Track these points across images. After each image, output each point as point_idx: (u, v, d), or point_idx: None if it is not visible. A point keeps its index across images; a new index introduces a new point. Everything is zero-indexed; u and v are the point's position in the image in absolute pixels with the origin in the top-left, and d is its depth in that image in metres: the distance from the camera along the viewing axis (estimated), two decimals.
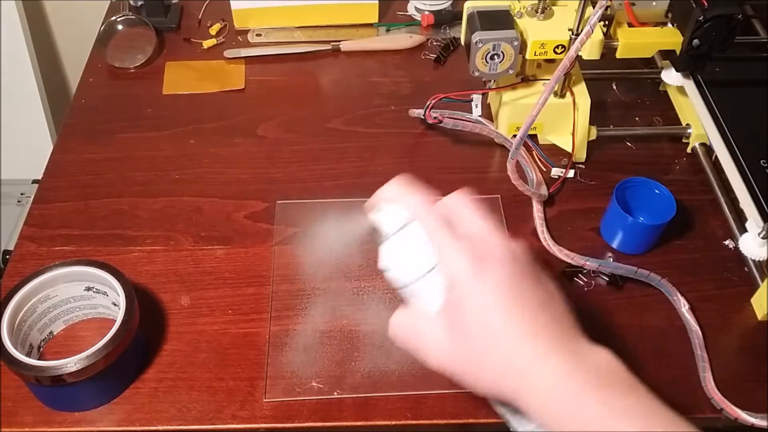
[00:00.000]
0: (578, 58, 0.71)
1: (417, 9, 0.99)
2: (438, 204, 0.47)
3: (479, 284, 0.43)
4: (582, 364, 0.41)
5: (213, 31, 0.96)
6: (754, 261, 0.70)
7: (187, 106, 0.87)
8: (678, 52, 0.75)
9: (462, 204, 0.47)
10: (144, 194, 0.76)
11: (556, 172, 0.78)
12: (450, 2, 0.98)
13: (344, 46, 0.94)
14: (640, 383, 0.42)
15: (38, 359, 0.58)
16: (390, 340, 0.63)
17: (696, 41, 0.73)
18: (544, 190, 0.76)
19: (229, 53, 0.93)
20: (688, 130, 0.81)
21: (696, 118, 0.80)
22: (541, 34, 0.73)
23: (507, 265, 0.44)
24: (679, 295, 0.67)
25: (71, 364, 0.54)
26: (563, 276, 0.69)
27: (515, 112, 0.79)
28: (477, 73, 0.75)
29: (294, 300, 0.67)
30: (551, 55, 0.74)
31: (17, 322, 0.59)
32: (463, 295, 0.43)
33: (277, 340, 0.64)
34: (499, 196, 0.76)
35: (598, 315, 0.66)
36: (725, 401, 0.60)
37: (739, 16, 0.70)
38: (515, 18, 0.75)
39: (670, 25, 0.76)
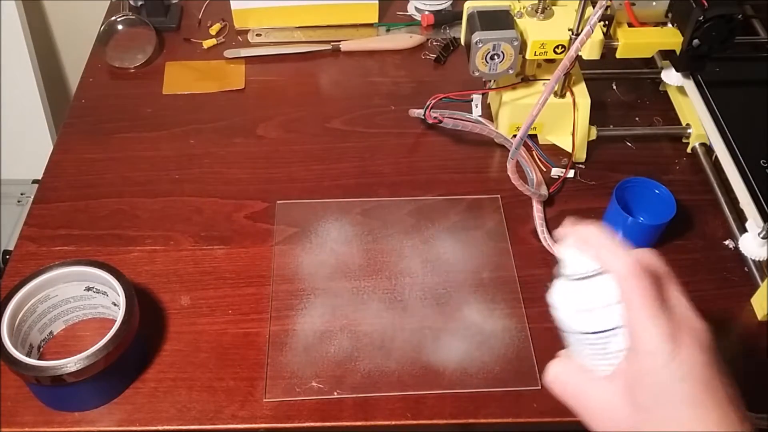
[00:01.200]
0: (578, 58, 0.71)
1: (417, 9, 0.99)
2: (642, 263, 0.43)
3: (672, 367, 0.40)
4: None
5: (213, 31, 0.96)
6: (754, 261, 0.70)
7: (187, 106, 0.87)
8: (678, 52, 0.75)
9: (665, 270, 0.44)
10: (144, 194, 0.76)
11: (556, 172, 0.79)
12: (450, 2, 0.99)
13: (344, 46, 0.94)
14: None
15: (38, 359, 0.58)
16: (390, 340, 0.64)
17: (696, 41, 0.73)
18: (544, 190, 0.76)
19: (229, 53, 0.93)
20: (688, 130, 0.81)
21: (696, 118, 0.80)
22: (541, 34, 0.73)
23: (706, 352, 0.41)
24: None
25: (71, 364, 0.54)
26: None
27: (515, 112, 0.79)
28: (477, 73, 0.75)
29: (294, 300, 0.67)
30: (551, 55, 0.74)
31: (17, 322, 0.59)
32: (652, 372, 0.40)
33: (277, 340, 0.64)
34: (499, 196, 0.76)
35: None
36: None
37: (739, 16, 0.70)
38: (515, 18, 0.75)
39: (670, 25, 0.76)
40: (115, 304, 0.62)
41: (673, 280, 0.44)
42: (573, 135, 0.78)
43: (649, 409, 0.40)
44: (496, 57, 0.74)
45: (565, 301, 0.45)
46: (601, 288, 0.43)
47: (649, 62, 0.90)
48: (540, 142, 0.81)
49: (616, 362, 0.42)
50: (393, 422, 0.59)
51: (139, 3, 0.95)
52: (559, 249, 0.46)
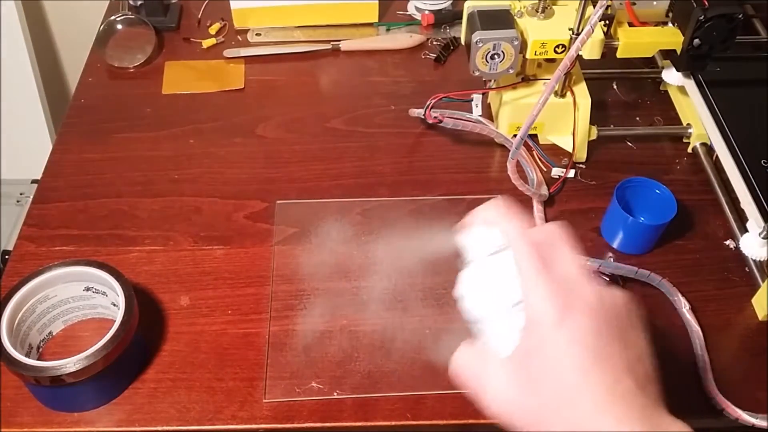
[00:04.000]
0: (579, 57, 0.71)
1: (417, 8, 0.99)
2: (534, 234, 0.41)
3: (559, 334, 0.38)
4: None
5: (212, 30, 0.96)
6: (754, 261, 0.70)
7: (187, 106, 0.86)
8: (679, 52, 0.75)
9: (561, 240, 0.42)
10: (143, 194, 0.76)
11: (556, 172, 0.78)
12: (450, 2, 0.98)
13: (344, 45, 0.94)
14: None
15: (37, 359, 0.58)
16: (390, 340, 0.64)
17: (697, 41, 0.72)
18: (544, 190, 0.76)
19: (228, 53, 0.93)
20: (689, 130, 0.81)
21: (697, 117, 0.79)
22: (542, 33, 0.73)
23: (595, 317, 0.39)
24: (679, 295, 0.67)
25: (70, 364, 0.54)
26: None
27: (515, 112, 0.78)
28: (477, 73, 0.75)
29: (294, 300, 0.67)
30: (552, 55, 0.74)
31: (16, 322, 0.59)
32: (540, 343, 0.39)
33: (277, 340, 0.64)
34: (499, 196, 0.76)
35: None
36: (726, 402, 0.60)
37: (740, 16, 0.70)
38: (515, 17, 0.75)
39: (670, 24, 0.76)
40: (114, 305, 0.62)
41: (567, 247, 0.41)
42: (573, 135, 0.78)
43: (538, 381, 0.39)
44: (496, 56, 0.74)
45: (470, 286, 0.43)
46: (502, 264, 0.41)
47: (649, 62, 0.90)
48: (540, 142, 0.81)
49: (517, 342, 0.40)
50: (393, 422, 0.59)
51: (139, 2, 0.95)
52: (461, 237, 0.44)
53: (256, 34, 0.96)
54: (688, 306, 0.66)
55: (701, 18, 0.70)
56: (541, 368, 0.39)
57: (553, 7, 0.75)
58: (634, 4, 0.75)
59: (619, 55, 0.75)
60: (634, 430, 0.37)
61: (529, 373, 0.39)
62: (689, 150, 0.81)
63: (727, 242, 0.73)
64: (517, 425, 0.40)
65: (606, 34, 0.73)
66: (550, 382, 0.38)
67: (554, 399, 0.38)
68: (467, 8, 0.76)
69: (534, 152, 0.80)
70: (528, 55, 0.74)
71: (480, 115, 0.82)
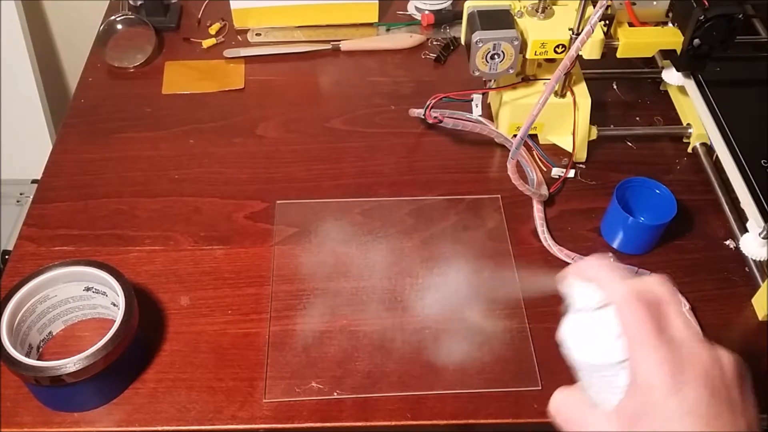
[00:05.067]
0: (579, 57, 0.71)
1: (417, 8, 0.99)
2: (643, 292, 0.40)
3: (672, 402, 0.37)
4: None
5: (212, 30, 0.96)
6: (754, 261, 0.70)
7: (187, 106, 0.86)
8: (679, 52, 0.75)
9: (669, 298, 0.41)
10: (143, 194, 0.76)
11: (556, 172, 0.78)
12: (450, 2, 0.98)
13: (344, 45, 0.94)
14: None
15: (37, 359, 0.58)
16: (390, 340, 0.64)
17: (697, 41, 0.72)
18: (544, 190, 0.76)
19: (228, 53, 0.93)
20: (689, 130, 0.81)
21: (697, 117, 0.79)
22: (542, 33, 0.73)
23: (709, 386, 0.38)
24: (679, 295, 0.67)
25: (70, 364, 0.54)
26: None
27: (515, 112, 0.78)
28: (477, 73, 0.75)
29: (294, 300, 0.67)
30: (552, 55, 0.74)
31: (16, 322, 0.59)
32: (650, 408, 0.38)
33: (277, 340, 0.64)
34: (499, 196, 0.76)
35: None
36: None
37: (740, 16, 0.70)
38: (515, 17, 0.75)
39: (670, 24, 0.76)
40: (114, 305, 0.62)
41: (678, 307, 0.41)
42: (573, 135, 0.78)
43: None
44: (496, 56, 0.74)
45: (573, 334, 0.44)
46: (608, 320, 0.41)
47: (649, 62, 0.90)
48: (540, 142, 0.81)
49: (621, 396, 0.40)
50: (393, 422, 0.59)
51: (139, 2, 0.95)
52: (562, 286, 0.45)
53: (256, 34, 0.96)
54: (688, 306, 0.66)
55: (701, 18, 0.70)
56: (651, 430, 0.38)
57: (553, 7, 0.75)
58: (634, 4, 0.75)
59: (619, 55, 0.75)
60: None
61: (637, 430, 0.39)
62: (689, 150, 0.81)
63: (727, 242, 0.73)
64: None
65: (606, 34, 0.73)
66: None
67: None
68: (467, 8, 0.76)
69: (534, 152, 0.80)
70: (528, 55, 0.74)
71: (480, 115, 0.82)
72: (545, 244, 0.71)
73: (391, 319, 0.65)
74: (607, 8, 0.69)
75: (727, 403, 0.38)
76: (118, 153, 0.80)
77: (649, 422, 0.38)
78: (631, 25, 0.75)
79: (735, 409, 0.38)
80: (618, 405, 0.40)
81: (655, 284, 0.42)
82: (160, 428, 0.58)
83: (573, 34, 0.73)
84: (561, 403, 0.44)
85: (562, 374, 0.62)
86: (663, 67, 0.84)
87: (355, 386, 0.61)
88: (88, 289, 0.62)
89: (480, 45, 0.72)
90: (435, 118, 0.80)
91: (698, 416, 0.37)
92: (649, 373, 0.38)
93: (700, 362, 0.39)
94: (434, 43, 0.96)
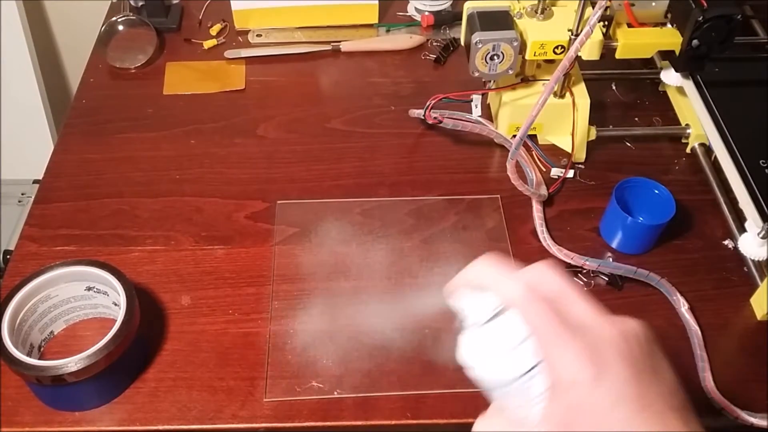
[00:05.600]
0: (578, 58, 0.71)
1: (417, 9, 1.00)
2: (534, 284, 0.39)
3: (599, 392, 0.36)
4: None
5: (213, 31, 0.96)
6: (753, 261, 0.70)
7: (188, 107, 0.87)
8: (677, 53, 0.75)
9: (561, 283, 0.39)
10: (144, 194, 0.76)
11: (555, 172, 0.79)
12: (450, 3, 0.99)
13: (344, 46, 0.94)
14: None
15: (39, 359, 0.58)
16: (390, 340, 0.64)
17: (695, 41, 0.73)
18: (543, 190, 0.76)
19: (229, 54, 0.93)
20: (688, 131, 0.81)
21: (695, 118, 0.80)
22: (541, 34, 0.73)
23: (628, 364, 0.36)
24: (678, 295, 0.67)
25: (72, 363, 0.54)
26: None
27: (515, 113, 0.79)
28: (477, 74, 0.75)
29: (294, 300, 0.67)
30: (551, 56, 0.74)
31: (18, 321, 0.59)
32: (579, 404, 0.36)
33: (277, 340, 0.64)
34: (499, 196, 0.76)
35: None
36: (725, 401, 0.60)
37: (739, 17, 0.70)
38: (515, 18, 0.75)
39: (669, 25, 0.76)
40: (115, 304, 0.62)
41: (572, 289, 0.39)
42: (572, 135, 0.78)
43: None
44: (495, 57, 0.74)
45: (473, 351, 0.40)
46: (507, 326, 0.39)
47: (648, 62, 0.91)
48: (540, 142, 0.81)
49: (543, 404, 0.37)
50: (393, 422, 0.59)
51: (140, 3, 0.96)
52: (452, 301, 0.42)
53: (257, 35, 0.96)
54: (687, 305, 0.67)
55: (700, 19, 0.71)
56: (587, 427, 0.36)
57: (553, 8, 0.76)
58: (633, 5, 0.75)
59: (618, 55, 0.75)
60: None
61: None
62: (688, 150, 0.82)
63: (726, 242, 0.73)
64: None
65: (605, 35, 0.73)
66: None
67: None
68: (467, 9, 0.76)
69: (533, 152, 0.80)
70: (527, 56, 0.74)
71: (479, 116, 0.82)
72: (544, 244, 0.72)
73: (391, 319, 0.66)
74: (605, 9, 0.70)
75: (648, 374, 0.37)
76: (120, 153, 0.81)
77: (581, 418, 0.36)
78: (629, 26, 0.76)
79: (657, 377, 0.37)
80: (543, 414, 0.38)
81: (545, 273, 0.40)
82: (161, 427, 0.59)
83: (572, 35, 0.73)
84: None
85: None
86: (662, 68, 0.84)
87: (355, 386, 0.61)
88: (89, 288, 0.62)
89: (479, 46, 0.73)
90: (435, 118, 0.80)
91: (629, 399, 0.36)
92: (568, 369, 0.36)
93: (613, 342, 0.37)
94: (434, 44, 0.96)
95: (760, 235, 0.66)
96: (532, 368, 0.38)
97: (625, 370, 0.36)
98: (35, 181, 1.19)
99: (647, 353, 0.38)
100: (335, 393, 0.60)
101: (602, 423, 0.36)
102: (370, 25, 0.98)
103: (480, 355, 0.40)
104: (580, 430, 0.36)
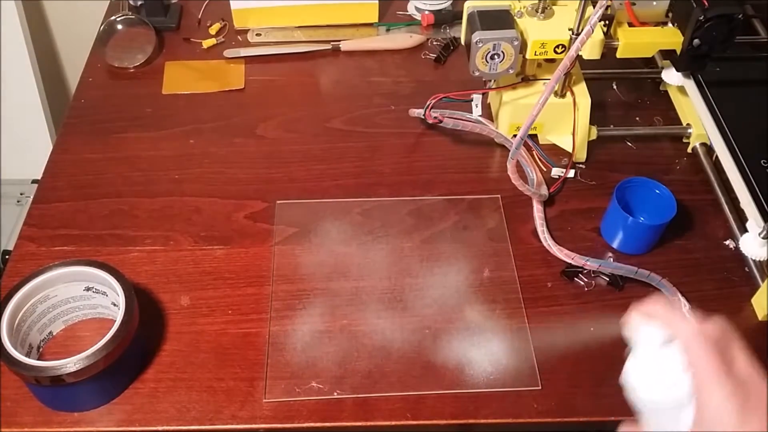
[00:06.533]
0: (578, 57, 0.71)
1: (417, 9, 0.99)
2: (708, 331, 0.42)
3: None
4: None
5: (213, 30, 0.96)
6: (754, 261, 0.70)
7: (187, 106, 0.86)
8: (678, 52, 0.75)
9: (733, 338, 0.43)
10: (143, 194, 0.76)
11: (556, 172, 0.78)
12: (450, 2, 0.98)
13: (344, 45, 0.94)
14: None
15: (38, 359, 0.58)
16: (390, 340, 0.64)
17: (696, 41, 0.72)
18: (544, 190, 0.76)
19: (228, 53, 0.93)
20: (689, 130, 0.81)
21: (696, 117, 0.79)
22: (542, 33, 0.73)
23: None
24: (679, 295, 0.67)
25: (71, 364, 0.54)
26: (563, 276, 0.69)
27: (515, 112, 0.79)
28: (477, 73, 0.75)
29: (294, 300, 0.67)
30: (551, 55, 0.74)
31: (17, 322, 0.59)
32: None
33: (277, 340, 0.64)
34: (499, 196, 0.76)
35: (598, 315, 0.66)
36: None
37: (740, 16, 0.70)
38: (515, 18, 0.75)
39: (670, 24, 0.76)
40: (114, 304, 0.62)
41: (740, 344, 0.42)
42: (573, 135, 0.78)
43: None
44: (496, 57, 0.74)
45: (637, 373, 0.44)
46: (672, 357, 0.42)
47: (649, 62, 0.90)
48: (540, 142, 0.81)
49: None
50: (393, 422, 0.59)
51: (139, 3, 0.95)
52: (626, 329, 0.46)
53: (257, 35, 0.96)
54: (687, 306, 0.66)
55: (701, 18, 0.70)
56: None
57: (553, 7, 0.75)
58: (634, 4, 0.75)
59: (618, 55, 0.75)
60: None
61: None
62: (689, 150, 0.82)
63: (727, 242, 0.73)
64: None
65: (606, 34, 0.73)
66: None
67: None
68: (467, 8, 0.76)
69: (534, 152, 0.80)
70: (528, 56, 0.74)
71: (480, 115, 0.82)
72: (545, 244, 0.71)
73: (391, 319, 0.65)
74: (606, 8, 0.69)
75: None
76: (119, 153, 0.80)
77: None
78: (630, 25, 0.76)
79: None
80: None
81: (717, 323, 0.43)
82: (160, 428, 0.58)
83: (573, 34, 0.73)
84: None
85: (562, 374, 0.62)
86: (663, 67, 0.84)
87: (355, 386, 0.61)
88: (88, 289, 0.62)
89: (480, 45, 0.72)
90: (435, 118, 0.80)
91: None
92: (716, 408, 0.39)
93: (764, 394, 0.40)
94: (434, 43, 0.96)
95: (761, 236, 0.66)
96: (687, 398, 0.41)
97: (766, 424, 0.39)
98: (34, 181, 1.19)
99: None
100: (335, 393, 0.60)
101: None
102: (370, 25, 0.98)
103: (642, 376, 0.44)
104: None
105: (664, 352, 0.43)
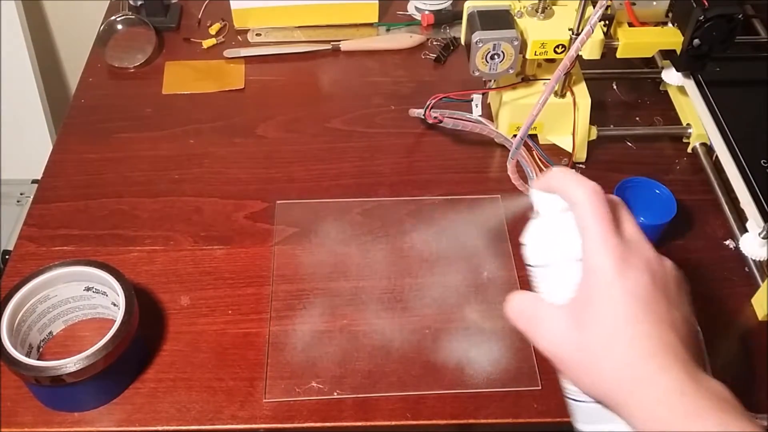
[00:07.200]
0: (578, 57, 0.71)
1: (417, 8, 0.99)
2: (600, 190, 0.44)
3: (616, 285, 0.40)
4: (701, 387, 0.39)
5: (213, 30, 0.96)
6: (754, 261, 0.70)
7: (187, 106, 0.86)
8: (678, 52, 0.75)
9: (623, 205, 0.45)
10: (144, 194, 0.76)
11: None
12: (450, 2, 0.98)
13: (344, 45, 0.94)
14: (755, 420, 0.39)
15: (38, 359, 0.58)
16: (390, 340, 0.64)
17: (696, 41, 0.72)
18: None
19: (228, 53, 0.93)
20: (689, 130, 0.81)
21: (696, 117, 0.79)
22: (542, 33, 0.73)
23: (651, 275, 0.41)
24: None
25: (71, 364, 0.54)
26: None
27: (515, 112, 0.79)
28: (477, 73, 0.75)
29: (294, 300, 0.67)
30: (551, 55, 0.74)
31: (17, 322, 0.59)
32: (595, 291, 0.41)
33: (277, 340, 0.64)
34: (499, 196, 0.76)
35: None
36: None
37: (740, 16, 0.70)
38: (515, 18, 0.75)
39: (670, 24, 0.76)
40: (114, 305, 0.62)
41: (629, 214, 0.45)
42: (573, 135, 0.78)
43: (590, 327, 0.41)
44: (496, 57, 0.74)
45: (534, 236, 0.46)
46: (569, 223, 0.44)
47: (649, 62, 0.90)
48: (540, 142, 0.81)
49: (575, 292, 0.43)
50: (393, 422, 0.59)
51: (139, 3, 0.95)
52: (531, 192, 0.47)
53: (256, 35, 0.96)
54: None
55: (701, 18, 0.70)
56: (596, 313, 0.41)
57: (553, 7, 0.75)
58: (634, 4, 0.75)
59: (618, 55, 0.75)
60: (674, 377, 0.39)
61: (585, 316, 0.41)
62: (689, 150, 0.82)
63: (727, 242, 0.73)
64: (567, 365, 0.43)
65: (606, 34, 0.73)
66: (601, 328, 0.41)
67: (604, 343, 0.40)
68: (467, 8, 0.76)
69: (534, 152, 0.80)
70: (528, 56, 0.74)
71: (480, 115, 0.82)
72: None
73: (391, 319, 0.65)
74: (606, 8, 0.69)
75: (664, 294, 0.41)
76: (119, 153, 0.80)
77: (593, 303, 0.41)
78: (630, 25, 0.76)
79: (671, 301, 0.41)
80: (570, 298, 0.42)
81: (609, 196, 0.44)
82: (160, 428, 0.58)
83: (573, 34, 0.73)
84: (515, 303, 0.46)
85: None
86: (663, 67, 0.84)
87: (355, 386, 0.61)
88: (88, 289, 0.62)
89: (480, 45, 0.72)
90: (435, 118, 0.80)
91: (638, 298, 0.40)
92: (598, 258, 0.41)
93: (645, 256, 0.42)
94: (434, 43, 0.96)
95: (762, 235, 0.66)
96: (576, 260, 0.42)
97: (645, 278, 0.41)
98: (34, 181, 1.19)
99: (669, 281, 0.42)
100: (335, 393, 0.60)
101: (609, 311, 0.40)
102: (370, 25, 0.98)
103: (538, 239, 0.46)
104: (590, 314, 0.41)
105: (562, 216, 0.44)
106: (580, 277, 0.42)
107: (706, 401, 0.38)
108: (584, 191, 0.43)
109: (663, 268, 0.43)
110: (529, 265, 0.47)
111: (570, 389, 0.45)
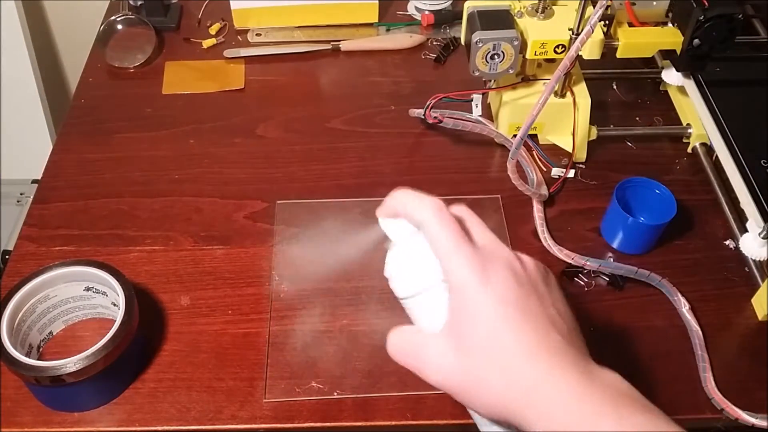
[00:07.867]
0: (578, 57, 0.71)
1: (417, 8, 0.99)
2: (442, 206, 0.44)
3: (485, 295, 0.40)
4: (596, 383, 0.39)
5: (213, 30, 0.96)
6: (754, 261, 0.70)
7: (187, 106, 0.86)
8: (678, 52, 0.75)
9: (471, 215, 0.45)
10: (143, 194, 0.76)
11: (556, 172, 0.78)
12: (450, 2, 0.98)
13: (344, 45, 0.94)
14: (651, 404, 0.39)
15: (38, 359, 0.58)
16: None
17: (696, 41, 0.72)
18: (544, 190, 0.76)
19: (228, 53, 0.93)
20: (689, 130, 0.81)
21: (696, 117, 0.79)
22: (542, 33, 0.73)
23: (514, 276, 0.41)
24: (679, 295, 0.67)
25: (71, 364, 0.54)
26: (563, 276, 0.69)
27: (515, 112, 0.79)
28: (477, 73, 0.75)
29: (294, 300, 0.67)
30: (551, 55, 0.74)
31: (17, 322, 0.59)
32: (466, 307, 0.40)
33: (277, 340, 0.64)
34: (499, 196, 0.76)
35: (598, 315, 0.66)
36: (725, 401, 0.60)
37: (740, 16, 0.70)
38: (515, 18, 0.75)
39: (670, 24, 0.76)
40: (114, 304, 0.62)
41: (477, 220, 0.45)
42: (573, 135, 0.78)
43: (469, 345, 0.40)
44: (496, 57, 0.74)
45: (394, 268, 0.45)
46: (422, 245, 0.43)
47: (649, 62, 0.90)
48: (540, 142, 0.81)
49: (446, 315, 0.41)
50: (393, 422, 0.59)
51: (139, 3, 0.95)
52: (379, 221, 0.47)
53: (257, 35, 0.96)
54: (687, 306, 0.66)
55: (701, 18, 0.70)
56: (471, 330, 0.40)
57: (553, 7, 0.75)
58: (634, 4, 0.75)
59: (618, 55, 0.75)
60: (566, 379, 0.38)
61: (461, 337, 0.40)
62: (689, 150, 0.82)
63: (727, 242, 0.73)
64: (458, 392, 0.41)
65: (606, 34, 0.73)
66: (479, 341, 0.40)
67: (488, 356, 0.40)
68: (467, 8, 0.76)
69: (534, 152, 0.80)
70: (528, 56, 0.74)
71: (480, 115, 0.82)
72: (545, 244, 0.71)
73: (391, 319, 0.65)
74: (606, 8, 0.69)
75: (533, 291, 0.41)
76: (119, 153, 0.80)
77: (468, 319, 0.40)
78: (630, 25, 0.76)
79: (542, 298, 0.41)
80: (445, 322, 0.41)
81: (455, 207, 0.45)
82: (160, 428, 0.58)
83: (573, 34, 0.73)
84: (395, 341, 0.45)
85: None
86: (663, 67, 0.84)
87: (355, 386, 0.61)
88: (88, 289, 0.62)
89: (480, 45, 0.72)
90: (435, 118, 0.80)
91: (509, 302, 0.40)
92: (457, 273, 0.41)
93: (502, 258, 0.42)
94: (434, 43, 0.96)
95: (762, 235, 0.66)
96: (441, 282, 0.42)
97: (509, 281, 0.40)
98: (34, 181, 1.19)
99: (535, 279, 0.42)
100: (335, 393, 0.60)
101: (485, 323, 0.39)
102: (370, 25, 0.98)
103: (398, 270, 0.45)
104: (465, 332, 0.40)
105: (415, 239, 0.44)
106: (449, 295, 0.41)
107: (602, 397, 0.38)
108: (427, 211, 0.42)
109: (525, 266, 0.42)
110: (401, 298, 0.45)
111: (477, 420, 0.44)
